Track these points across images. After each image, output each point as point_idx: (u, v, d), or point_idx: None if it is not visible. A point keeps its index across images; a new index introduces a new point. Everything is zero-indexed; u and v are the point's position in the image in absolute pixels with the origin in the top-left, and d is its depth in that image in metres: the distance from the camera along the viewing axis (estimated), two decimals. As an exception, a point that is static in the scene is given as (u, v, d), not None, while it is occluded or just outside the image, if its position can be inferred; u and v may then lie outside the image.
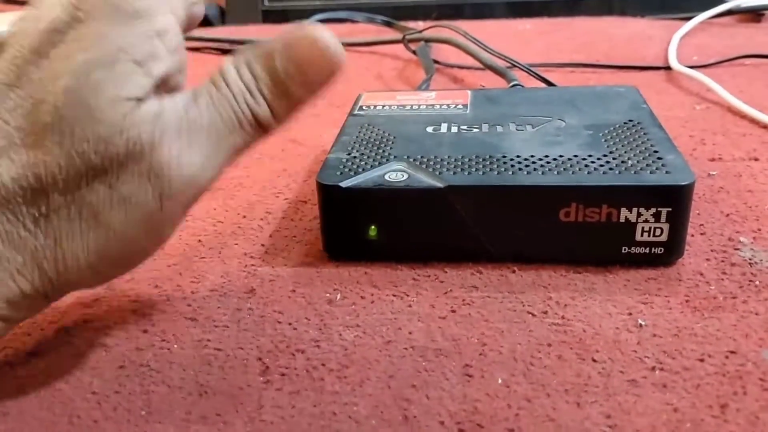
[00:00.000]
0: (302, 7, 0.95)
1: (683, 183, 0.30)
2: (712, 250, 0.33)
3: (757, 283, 0.31)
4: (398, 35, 0.75)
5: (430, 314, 0.30)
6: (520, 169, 0.33)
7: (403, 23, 0.83)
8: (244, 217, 0.40)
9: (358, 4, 0.91)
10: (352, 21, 0.87)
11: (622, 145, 0.34)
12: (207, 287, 0.33)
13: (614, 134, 0.36)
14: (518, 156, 0.34)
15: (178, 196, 0.23)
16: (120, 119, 0.22)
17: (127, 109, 0.22)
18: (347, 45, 0.79)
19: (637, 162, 0.32)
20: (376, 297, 0.31)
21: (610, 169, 0.32)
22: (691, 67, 0.60)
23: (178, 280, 0.34)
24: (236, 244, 0.37)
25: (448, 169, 0.33)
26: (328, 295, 0.32)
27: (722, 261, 0.32)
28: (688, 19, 0.78)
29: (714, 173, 0.41)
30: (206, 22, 0.98)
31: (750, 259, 0.32)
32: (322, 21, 0.84)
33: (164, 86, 0.24)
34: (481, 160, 0.34)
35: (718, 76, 0.58)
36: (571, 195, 0.31)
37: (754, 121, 0.49)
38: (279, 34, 0.25)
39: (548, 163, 0.33)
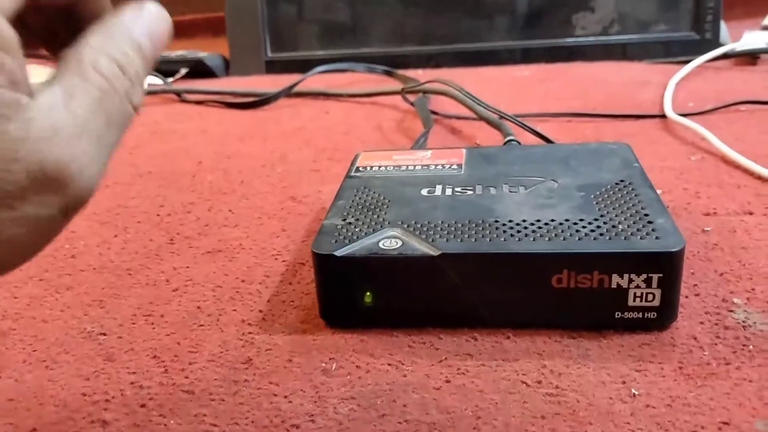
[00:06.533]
0: (304, 57, 0.97)
1: (673, 249, 0.31)
2: (706, 313, 0.33)
3: (751, 348, 0.31)
4: (398, 86, 0.76)
5: (424, 385, 0.30)
6: (512, 235, 0.33)
7: (402, 72, 0.85)
8: (243, 281, 0.40)
9: (359, 53, 0.93)
10: (353, 71, 0.88)
11: (613, 208, 0.35)
12: (205, 357, 0.33)
13: (605, 196, 0.36)
14: (510, 221, 0.34)
15: (81, 205, 0.22)
16: (12, 146, 0.20)
17: (15, 133, 0.20)
18: (348, 96, 0.81)
19: (628, 227, 0.33)
20: (372, 366, 0.32)
21: (601, 234, 0.32)
22: (686, 115, 0.61)
23: (176, 350, 0.34)
24: (234, 310, 0.37)
25: (441, 236, 0.34)
26: (323, 364, 0.32)
27: (716, 324, 0.33)
28: (685, 62, 0.78)
29: (708, 229, 0.41)
30: (210, 73, 1.00)
31: (744, 322, 0.33)
32: (325, 72, 0.86)
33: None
34: (474, 225, 0.34)
35: (714, 123, 0.59)
36: (563, 262, 0.31)
37: (748, 172, 0.49)
38: (119, 19, 0.24)
39: (540, 228, 0.33)
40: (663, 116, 0.63)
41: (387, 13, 0.98)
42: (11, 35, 0.20)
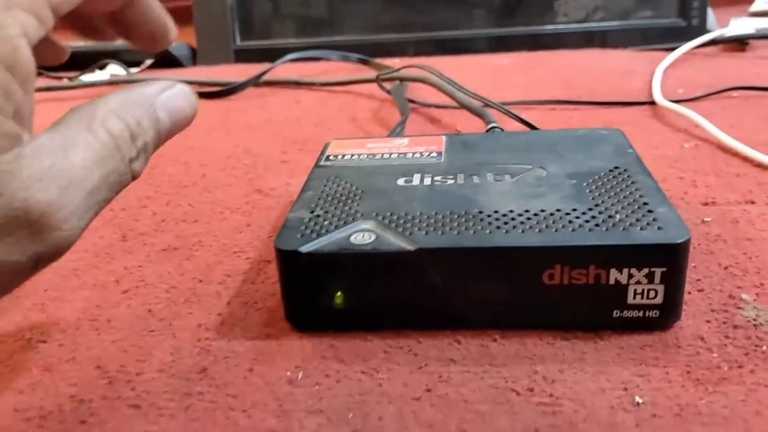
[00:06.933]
0: (275, 45, 0.92)
1: (678, 241, 0.28)
2: (712, 310, 0.30)
3: (765, 348, 0.28)
4: (373, 74, 0.73)
5: (402, 395, 0.27)
6: (498, 227, 0.30)
7: (379, 60, 0.81)
8: (201, 281, 0.36)
9: (334, 42, 0.89)
10: (327, 59, 0.84)
11: (609, 197, 0.32)
12: (154, 367, 0.29)
13: (599, 184, 0.33)
14: (496, 212, 0.31)
15: (54, 257, 0.21)
16: None
17: (5, 165, 0.19)
18: (321, 85, 0.77)
19: (626, 216, 0.29)
20: (343, 375, 0.28)
21: (597, 225, 0.29)
22: (677, 102, 0.58)
23: (122, 359, 0.30)
24: (190, 313, 0.33)
25: (419, 229, 0.30)
26: (288, 373, 0.28)
27: (724, 323, 0.29)
28: (671, 49, 0.76)
29: (708, 219, 0.38)
30: (176, 62, 0.96)
31: (754, 320, 0.29)
32: (296, 60, 0.82)
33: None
34: (455, 217, 0.31)
35: (706, 109, 0.56)
36: (555, 256, 0.28)
37: (747, 160, 0.46)
38: (144, 89, 0.24)
39: (528, 219, 0.30)
40: (652, 103, 0.60)
41: (364, 1, 0.94)
42: (31, 69, 0.19)
